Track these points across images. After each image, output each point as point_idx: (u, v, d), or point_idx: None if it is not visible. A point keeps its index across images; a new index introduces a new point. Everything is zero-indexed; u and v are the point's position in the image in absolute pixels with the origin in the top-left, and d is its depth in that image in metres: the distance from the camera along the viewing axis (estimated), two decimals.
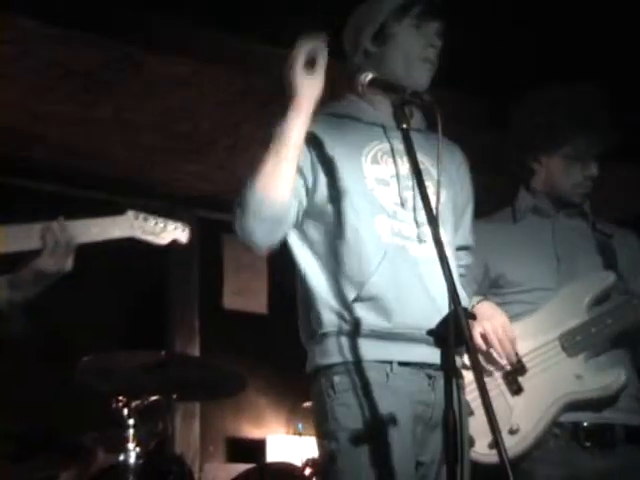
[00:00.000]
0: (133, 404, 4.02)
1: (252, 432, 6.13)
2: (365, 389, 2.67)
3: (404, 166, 2.79)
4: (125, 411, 4.00)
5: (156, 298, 5.94)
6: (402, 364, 2.70)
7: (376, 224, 2.75)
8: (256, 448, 5.92)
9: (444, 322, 2.38)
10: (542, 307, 3.31)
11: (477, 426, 2.96)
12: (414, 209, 2.80)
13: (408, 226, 2.79)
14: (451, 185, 2.91)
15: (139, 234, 2.75)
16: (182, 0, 4.41)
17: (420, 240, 2.78)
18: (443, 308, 2.52)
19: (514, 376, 3.25)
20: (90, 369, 4.04)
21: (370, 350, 2.69)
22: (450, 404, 2.30)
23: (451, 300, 2.36)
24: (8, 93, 4.88)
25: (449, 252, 2.72)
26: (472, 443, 3.08)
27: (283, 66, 2.70)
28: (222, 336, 5.96)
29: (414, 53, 2.83)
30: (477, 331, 3.22)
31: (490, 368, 3.24)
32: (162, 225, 2.79)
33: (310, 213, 2.79)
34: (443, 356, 2.39)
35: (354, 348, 2.71)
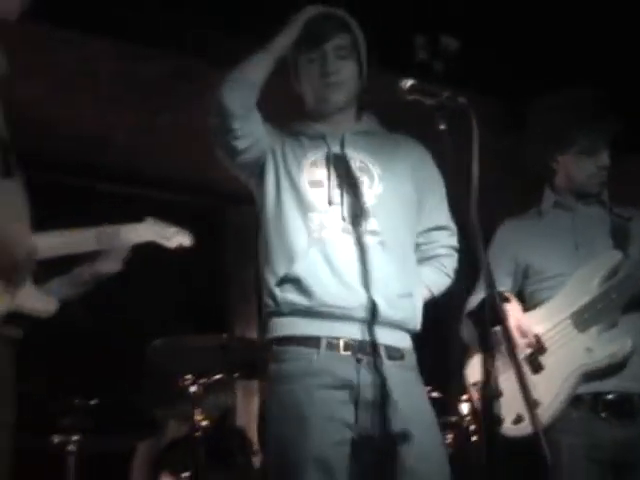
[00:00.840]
0: (200, 382, 4.06)
1: None
2: (288, 380, 2.71)
3: (338, 168, 2.84)
4: (193, 388, 4.04)
5: (217, 288, 5.87)
6: (329, 348, 2.72)
7: (308, 219, 2.80)
8: None
9: (481, 304, 2.41)
10: (560, 291, 3.33)
11: (504, 405, 2.84)
12: (341, 205, 2.83)
13: (335, 220, 2.82)
14: (394, 177, 2.91)
15: (157, 238, 2.77)
16: (237, 20, 4.43)
17: (345, 231, 2.80)
18: (355, 289, 2.70)
19: (535, 356, 3.28)
20: (161, 351, 4.07)
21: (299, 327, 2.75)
22: (487, 380, 2.30)
23: (487, 285, 2.35)
24: (81, 104, 4.92)
25: (398, 236, 2.85)
26: (500, 420, 2.91)
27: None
28: None
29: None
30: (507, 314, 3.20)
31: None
32: (172, 231, 2.83)
33: (255, 184, 2.90)
34: (481, 336, 2.38)
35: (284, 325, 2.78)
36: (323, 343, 2.70)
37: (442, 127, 2.59)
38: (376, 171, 2.89)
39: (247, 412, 5.70)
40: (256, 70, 2.84)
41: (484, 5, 4.47)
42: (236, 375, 4.36)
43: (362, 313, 2.72)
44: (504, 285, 3.38)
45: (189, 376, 4.08)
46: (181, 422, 4.47)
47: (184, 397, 4.13)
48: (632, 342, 3.18)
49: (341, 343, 2.70)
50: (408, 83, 2.69)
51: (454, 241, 3.01)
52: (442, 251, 3.00)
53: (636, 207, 3.53)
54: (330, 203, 2.82)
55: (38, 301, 2.34)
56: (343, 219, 2.81)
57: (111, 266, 2.60)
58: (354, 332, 2.70)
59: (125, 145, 5.16)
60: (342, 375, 2.67)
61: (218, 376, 4.20)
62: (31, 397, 3.67)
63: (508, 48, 4.68)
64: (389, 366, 2.73)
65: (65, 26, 4.37)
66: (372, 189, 2.87)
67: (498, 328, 2.42)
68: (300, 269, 2.73)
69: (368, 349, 2.72)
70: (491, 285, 2.37)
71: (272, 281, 2.79)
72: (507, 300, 3.26)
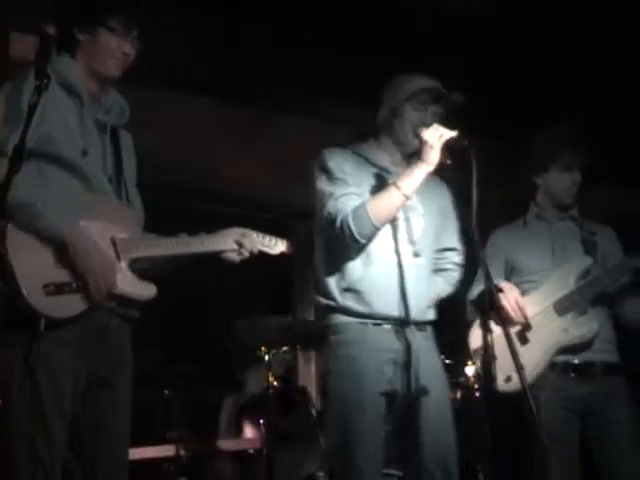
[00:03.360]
0: (271, 352, 4.11)
1: None
2: (345, 345, 2.75)
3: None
4: (266, 357, 4.09)
5: (285, 281, 5.81)
6: (376, 325, 2.75)
7: (380, 243, 2.78)
8: None
9: (482, 295, 2.50)
10: (543, 284, 3.34)
11: (497, 367, 2.93)
12: (407, 233, 2.84)
13: (403, 245, 2.83)
14: (431, 213, 2.92)
15: (263, 248, 2.60)
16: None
17: (415, 255, 2.84)
18: (398, 300, 2.74)
19: (523, 331, 3.29)
20: (242, 328, 4.12)
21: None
22: (486, 349, 2.41)
23: (486, 280, 2.45)
24: (187, 147, 4.88)
25: (429, 259, 2.89)
26: (494, 379, 3.02)
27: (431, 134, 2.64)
28: None
29: None
30: (501, 301, 3.18)
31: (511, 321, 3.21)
32: (274, 240, 2.63)
33: None
34: (481, 318, 2.52)
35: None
36: (370, 323, 2.76)
37: (448, 162, 2.69)
38: (419, 208, 2.91)
39: (306, 375, 5.57)
40: (389, 220, 2.76)
41: (482, 68, 4.48)
42: (298, 347, 4.46)
43: (401, 318, 2.78)
44: (497, 278, 3.30)
45: (263, 348, 4.12)
46: (257, 382, 4.48)
47: (260, 363, 4.18)
48: (598, 326, 3.24)
49: (384, 324, 2.76)
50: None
51: (460, 260, 3.05)
52: (451, 266, 3.04)
53: (599, 224, 3.52)
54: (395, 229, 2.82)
55: (138, 287, 2.34)
56: (396, 249, 2.82)
57: (235, 259, 2.50)
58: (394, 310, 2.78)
59: (220, 174, 5.13)
60: (386, 343, 2.74)
61: (285, 348, 4.29)
62: (149, 362, 3.75)
63: (505, 102, 4.67)
64: (418, 334, 2.81)
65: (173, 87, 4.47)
66: (417, 224, 2.90)
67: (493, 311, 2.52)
68: (359, 283, 2.76)
69: (404, 327, 2.79)
70: (489, 279, 2.46)
71: (335, 290, 2.78)
72: (501, 290, 3.23)
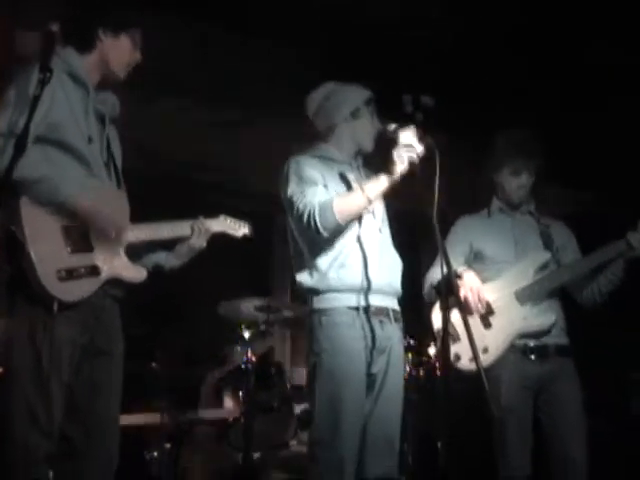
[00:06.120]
0: (251, 329, 4.15)
1: None
2: (338, 326, 2.77)
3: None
4: (246, 334, 4.14)
5: (265, 265, 5.82)
6: (365, 311, 2.78)
7: (357, 223, 2.83)
8: None
9: (442, 280, 2.51)
10: (504, 273, 3.37)
11: (461, 347, 3.16)
12: (374, 213, 2.91)
13: (373, 224, 2.91)
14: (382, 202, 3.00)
15: (229, 230, 2.73)
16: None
17: (380, 231, 2.93)
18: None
19: (486, 316, 3.33)
20: (226, 308, 4.15)
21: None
22: (445, 331, 2.46)
23: (446, 266, 2.48)
24: (173, 141, 4.83)
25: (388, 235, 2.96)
26: (459, 358, 3.20)
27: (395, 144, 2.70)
28: None
29: None
30: (462, 290, 3.26)
31: (470, 311, 3.27)
32: (238, 224, 2.76)
33: None
34: (441, 303, 2.53)
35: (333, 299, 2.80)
36: (361, 309, 2.78)
37: (418, 174, 2.73)
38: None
39: (282, 351, 5.62)
40: (352, 219, 2.79)
41: (453, 72, 4.54)
42: (275, 326, 4.46)
43: (386, 288, 2.85)
44: (458, 262, 3.39)
45: (244, 325, 4.14)
46: (237, 357, 4.44)
47: (240, 340, 4.20)
48: (556, 317, 3.30)
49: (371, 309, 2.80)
50: (392, 126, 2.83)
51: None
52: None
53: (552, 218, 3.57)
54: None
55: (132, 271, 2.43)
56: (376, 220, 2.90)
57: (200, 243, 2.58)
58: (378, 300, 2.83)
59: (206, 166, 5.16)
60: (371, 330, 2.78)
61: (263, 327, 4.26)
62: (138, 338, 3.63)
63: (471, 102, 4.69)
64: (395, 326, 2.88)
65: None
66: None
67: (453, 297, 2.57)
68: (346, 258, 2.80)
69: (384, 313, 2.84)
70: (449, 265, 2.51)
71: (323, 265, 2.80)
72: (459, 277, 3.28)
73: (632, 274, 3.33)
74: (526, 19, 4.27)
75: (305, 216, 2.74)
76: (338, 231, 2.79)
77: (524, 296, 3.34)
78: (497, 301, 3.36)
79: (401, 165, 2.73)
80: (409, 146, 2.72)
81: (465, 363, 3.18)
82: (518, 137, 3.46)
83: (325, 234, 2.75)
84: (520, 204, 3.51)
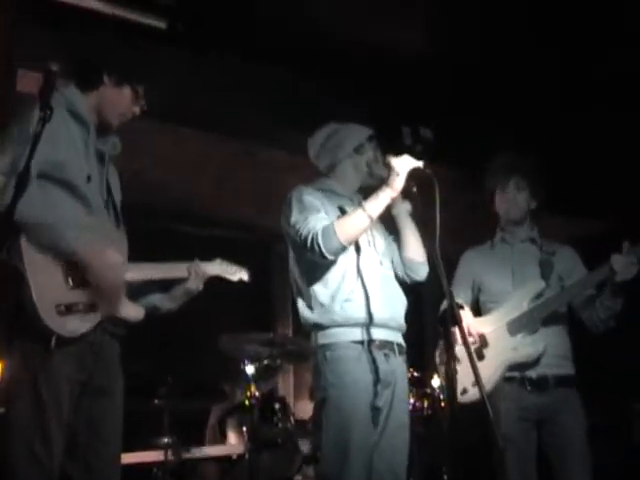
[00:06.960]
0: (254, 365, 4.13)
1: None
2: (344, 361, 2.76)
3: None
4: (249, 369, 4.12)
5: (267, 300, 5.85)
6: (369, 344, 2.78)
7: (357, 256, 2.87)
8: None
9: (445, 312, 2.59)
10: (502, 305, 3.37)
11: (460, 378, 2.98)
12: (375, 247, 2.95)
13: (374, 257, 2.93)
14: (386, 236, 3.07)
15: (225, 274, 2.69)
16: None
17: (381, 264, 2.94)
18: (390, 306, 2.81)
19: (480, 348, 3.33)
20: (228, 342, 4.13)
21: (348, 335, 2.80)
22: (449, 364, 2.44)
23: (448, 299, 2.45)
24: (172, 174, 4.92)
25: (390, 268, 2.97)
26: (466, 391, 3.16)
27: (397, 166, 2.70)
28: None
29: None
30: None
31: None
32: (234, 268, 2.72)
33: None
34: (444, 334, 2.62)
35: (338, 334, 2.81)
36: (365, 343, 2.78)
37: (414, 189, 2.75)
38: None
39: (285, 386, 5.63)
40: (355, 238, 2.81)
41: (451, 106, 4.54)
42: (278, 361, 4.38)
43: (390, 322, 2.85)
44: (466, 295, 3.42)
45: (247, 360, 4.14)
46: (241, 393, 4.39)
47: (243, 375, 4.16)
48: (544, 346, 3.24)
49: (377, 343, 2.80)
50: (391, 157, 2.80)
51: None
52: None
53: (559, 244, 3.52)
54: (369, 244, 2.93)
55: (131, 309, 2.40)
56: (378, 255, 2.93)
57: (197, 286, 2.56)
58: (383, 334, 2.83)
59: (205, 201, 5.19)
60: (375, 363, 2.78)
61: (266, 362, 4.25)
62: (139, 374, 3.56)
63: (467, 134, 4.69)
64: (399, 359, 2.88)
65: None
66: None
67: (455, 328, 2.52)
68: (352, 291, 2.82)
69: (389, 347, 2.84)
70: (451, 298, 2.48)
71: (327, 300, 2.82)
72: (462, 308, 3.28)
73: (633, 301, 3.24)
74: (526, 45, 4.27)
75: (309, 241, 2.76)
76: (341, 252, 2.80)
77: (515, 327, 3.32)
78: (491, 333, 3.36)
79: (400, 178, 2.74)
80: (406, 161, 2.74)
81: (458, 396, 3.14)
82: (504, 159, 3.49)
83: (330, 257, 2.76)
84: (519, 229, 3.49)
